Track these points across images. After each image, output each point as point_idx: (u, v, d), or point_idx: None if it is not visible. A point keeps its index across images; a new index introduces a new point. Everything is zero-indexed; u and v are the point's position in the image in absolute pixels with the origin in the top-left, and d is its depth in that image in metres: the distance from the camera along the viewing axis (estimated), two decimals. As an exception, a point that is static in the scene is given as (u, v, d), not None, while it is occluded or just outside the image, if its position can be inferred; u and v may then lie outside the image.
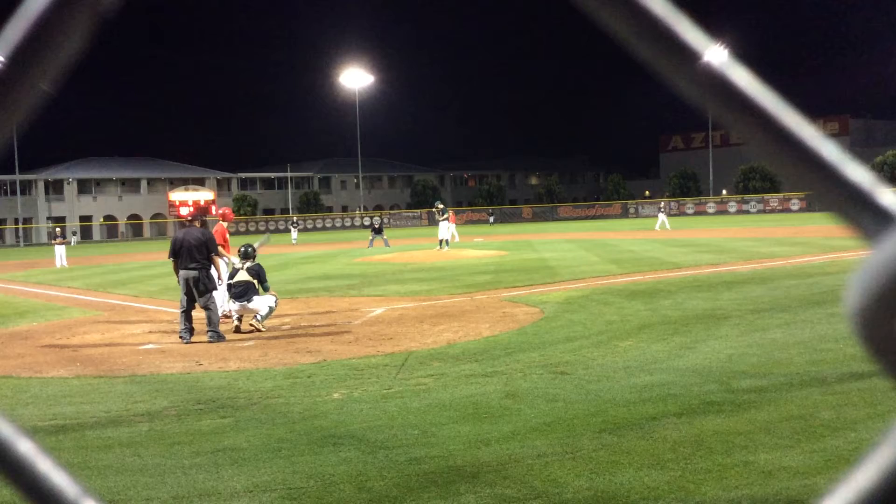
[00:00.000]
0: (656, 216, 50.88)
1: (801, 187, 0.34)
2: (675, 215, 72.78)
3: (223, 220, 13.80)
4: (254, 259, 11.88)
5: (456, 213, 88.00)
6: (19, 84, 0.37)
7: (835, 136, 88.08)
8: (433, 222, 33.45)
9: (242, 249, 11.93)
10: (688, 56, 0.34)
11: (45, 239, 76.17)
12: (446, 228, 31.38)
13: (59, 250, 32.73)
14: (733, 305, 11.97)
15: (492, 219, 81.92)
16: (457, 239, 37.60)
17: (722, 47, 0.36)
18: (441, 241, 30.68)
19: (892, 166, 73.10)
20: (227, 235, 13.49)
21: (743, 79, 0.34)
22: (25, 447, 0.37)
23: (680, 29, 0.34)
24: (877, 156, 75.24)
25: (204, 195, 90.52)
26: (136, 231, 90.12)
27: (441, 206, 33.67)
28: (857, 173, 0.33)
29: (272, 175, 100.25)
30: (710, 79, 0.34)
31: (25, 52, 0.37)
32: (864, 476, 0.33)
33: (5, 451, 0.36)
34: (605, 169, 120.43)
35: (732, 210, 75.91)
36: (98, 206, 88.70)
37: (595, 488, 4.65)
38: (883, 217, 0.32)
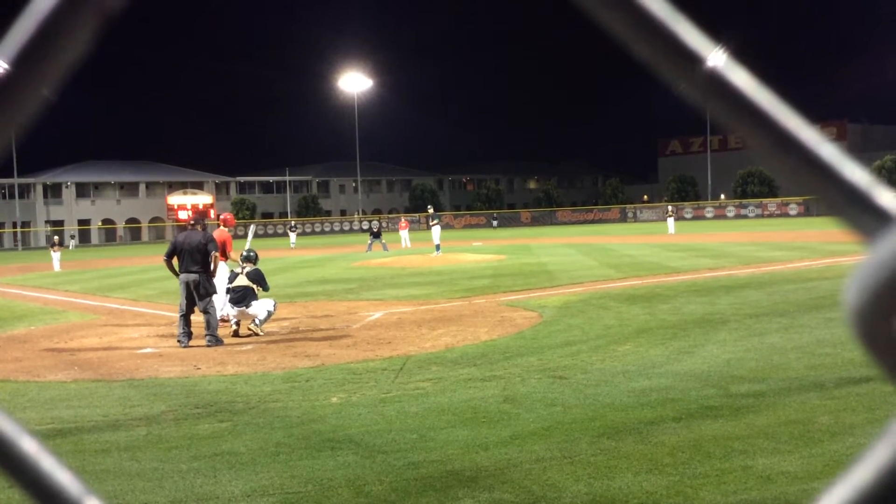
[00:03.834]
0: (665, 221, 50.85)
1: (801, 188, 0.35)
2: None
3: (224, 226, 13.56)
4: (254, 263, 11.90)
5: (455, 216, 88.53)
6: (22, 89, 0.37)
7: (832, 141, 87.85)
8: (429, 227, 33.67)
9: (244, 253, 11.97)
10: (688, 58, 0.35)
11: (43, 243, 76.14)
12: (438, 232, 31.48)
13: (56, 256, 33.84)
14: (732, 310, 11.97)
15: (495, 223, 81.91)
16: (407, 245, 38.46)
17: (722, 49, 0.36)
18: (437, 246, 30.67)
19: (889, 171, 73.22)
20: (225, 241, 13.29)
21: (743, 80, 0.35)
22: (29, 445, 0.37)
23: (680, 31, 0.35)
24: (875, 160, 75.40)
25: (202, 199, 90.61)
26: (135, 235, 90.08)
27: (432, 210, 34.63)
28: (856, 173, 0.33)
29: (271, 179, 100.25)
30: (710, 80, 0.34)
31: (30, 57, 0.37)
32: (859, 476, 0.33)
33: (9, 449, 0.37)
34: (604, 173, 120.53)
35: (731, 214, 75.95)
36: (96, 210, 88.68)
37: (593, 493, 4.65)
38: (881, 217, 0.33)
